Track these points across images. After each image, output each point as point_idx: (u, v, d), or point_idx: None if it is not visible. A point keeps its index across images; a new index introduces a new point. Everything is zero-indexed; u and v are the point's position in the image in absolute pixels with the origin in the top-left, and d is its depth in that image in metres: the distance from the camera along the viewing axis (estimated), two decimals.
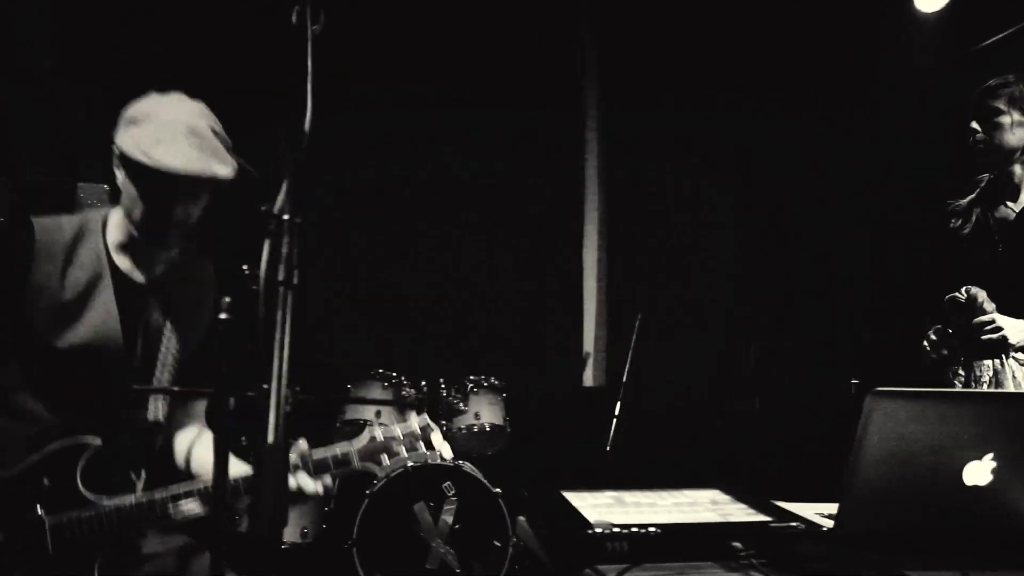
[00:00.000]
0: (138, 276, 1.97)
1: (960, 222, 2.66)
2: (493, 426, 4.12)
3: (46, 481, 1.80)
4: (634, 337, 4.42)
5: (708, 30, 4.93)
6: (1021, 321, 2.40)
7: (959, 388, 2.45)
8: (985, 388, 2.37)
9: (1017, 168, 2.57)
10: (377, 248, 4.88)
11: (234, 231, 1.90)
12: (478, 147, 4.94)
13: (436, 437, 2.02)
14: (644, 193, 5.15)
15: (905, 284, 4.53)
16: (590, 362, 5.14)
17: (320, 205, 4.64)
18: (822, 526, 1.54)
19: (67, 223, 1.93)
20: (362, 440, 1.93)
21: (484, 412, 4.13)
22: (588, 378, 5.13)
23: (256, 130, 2.42)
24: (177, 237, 1.91)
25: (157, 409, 1.98)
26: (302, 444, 1.89)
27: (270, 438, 0.97)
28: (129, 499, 1.83)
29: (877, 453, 1.42)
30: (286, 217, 1.23)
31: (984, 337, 2.39)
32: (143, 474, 1.92)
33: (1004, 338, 2.38)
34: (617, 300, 5.17)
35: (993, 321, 2.40)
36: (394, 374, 4.12)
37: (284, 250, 1.17)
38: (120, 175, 1.89)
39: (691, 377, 5.05)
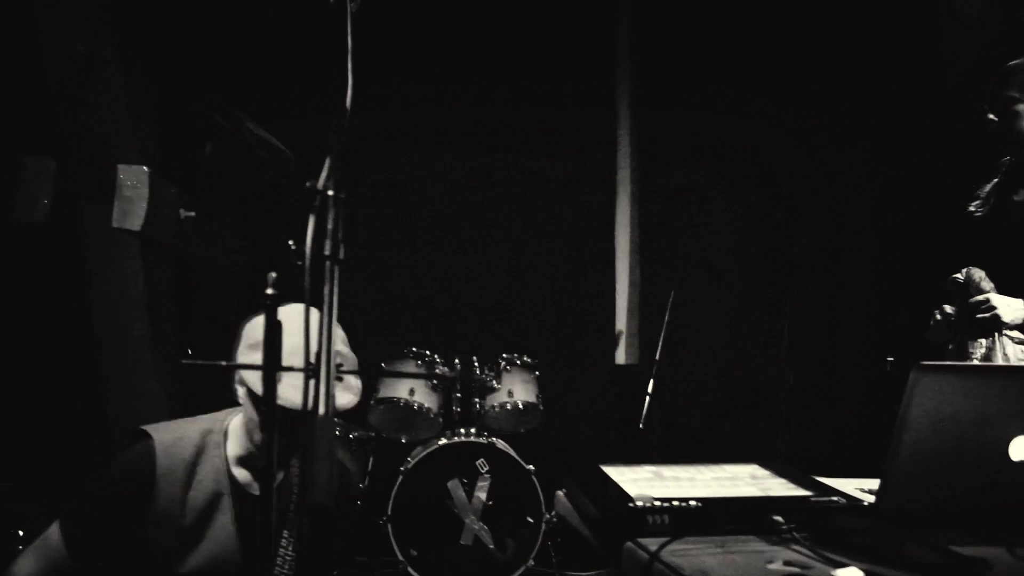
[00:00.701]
0: (255, 489, 1.93)
1: (979, 205, 2.67)
2: (526, 403, 4.14)
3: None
4: (667, 315, 4.40)
5: (744, 29, 4.89)
6: (1016, 300, 2.42)
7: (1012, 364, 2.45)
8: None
9: None
10: (417, 232, 4.92)
11: (276, 209, 1.92)
12: (515, 140, 4.95)
13: None
14: (676, 175, 5.13)
15: (937, 263, 4.48)
16: (622, 340, 5.14)
17: (368, 192, 4.68)
18: (863, 501, 1.53)
19: (188, 439, 1.88)
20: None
21: (517, 389, 4.16)
22: (620, 356, 5.13)
23: (306, 112, 2.44)
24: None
25: None
26: None
27: (321, 409, 0.99)
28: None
29: (921, 428, 1.41)
30: (330, 192, 1.24)
31: (978, 316, 2.43)
32: None
33: (997, 316, 2.40)
34: (649, 278, 5.16)
35: (988, 300, 2.43)
36: (427, 351, 4.16)
37: (329, 225, 1.18)
38: (241, 391, 1.86)
39: (724, 354, 5.04)
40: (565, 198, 5.11)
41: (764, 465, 1.79)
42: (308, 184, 1.26)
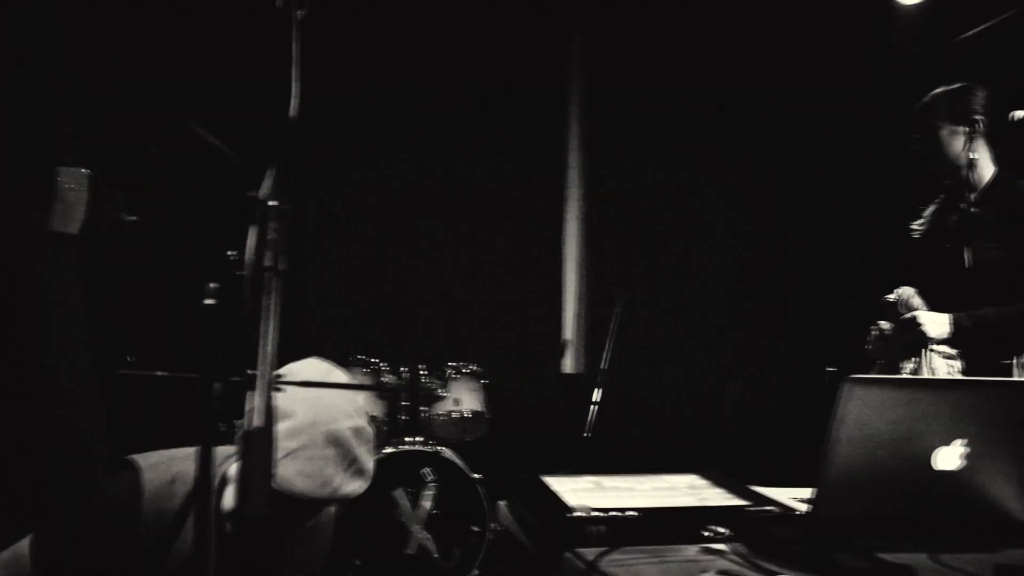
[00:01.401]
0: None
1: (920, 224, 2.80)
2: (473, 412, 4.15)
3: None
4: (613, 324, 4.45)
5: (693, 27, 4.98)
6: (942, 315, 2.49)
7: (936, 377, 2.53)
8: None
9: (965, 172, 2.66)
10: (361, 239, 4.89)
11: (219, 217, 1.90)
12: (462, 144, 4.95)
13: None
14: (625, 185, 5.19)
15: (882, 278, 4.61)
16: (570, 349, 5.18)
17: (312, 199, 4.64)
18: (797, 510, 1.57)
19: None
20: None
21: (464, 398, 4.16)
22: (568, 365, 5.16)
23: (257, 120, 2.42)
24: None
25: None
26: None
27: (257, 422, 0.98)
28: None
29: (851, 439, 1.45)
30: (272, 203, 1.23)
31: (906, 332, 2.51)
32: None
33: (923, 332, 2.48)
34: (597, 288, 5.21)
35: (915, 318, 2.50)
36: (374, 360, 4.13)
37: (270, 236, 1.18)
38: None
39: (670, 364, 5.10)
40: (513, 204, 5.12)
41: (703, 475, 1.83)
42: (249, 194, 1.25)
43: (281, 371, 1.71)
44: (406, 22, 4.78)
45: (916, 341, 2.49)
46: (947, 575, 1.34)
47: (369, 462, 1.69)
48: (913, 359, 2.50)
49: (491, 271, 5.04)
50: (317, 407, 1.62)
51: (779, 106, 4.85)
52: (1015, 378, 2.45)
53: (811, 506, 1.51)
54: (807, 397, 4.55)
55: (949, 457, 1.49)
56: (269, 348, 1.05)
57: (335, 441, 1.60)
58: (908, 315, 2.53)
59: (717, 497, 1.64)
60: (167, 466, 1.79)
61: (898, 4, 4.34)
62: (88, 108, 3.31)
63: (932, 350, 2.47)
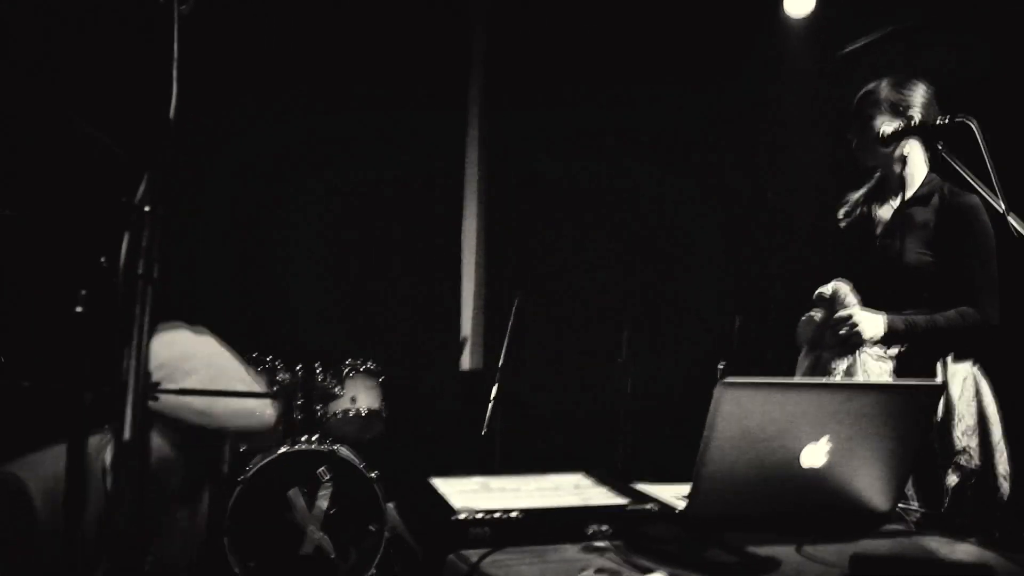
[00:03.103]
0: None
1: (846, 213, 2.77)
2: (370, 411, 4.12)
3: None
4: (511, 321, 4.49)
5: (591, 31, 5.06)
6: (877, 316, 2.48)
7: (805, 379, 2.58)
8: (838, 379, 2.47)
9: (897, 169, 2.66)
10: (261, 235, 4.79)
11: (93, 219, 1.84)
12: (362, 141, 4.90)
13: None
14: (522, 182, 5.24)
15: (780, 272, 4.80)
16: (467, 346, 5.20)
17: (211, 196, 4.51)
18: (676, 508, 1.63)
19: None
20: None
21: (360, 397, 4.12)
22: (466, 362, 5.18)
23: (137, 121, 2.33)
24: None
25: None
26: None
27: (126, 434, 0.96)
28: None
29: (725, 439, 1.52)
30: (147, 208, 1.21)
31: (841, 332, 2.48)
32: None
33: (859, 333, 2.45)
34: (494, 284, 5.24)
35: (851, 316, 2.48)
36: (268, 357, 4.06)
37: (144, 243, 1.15)
38: None
39: (566, 360, 5.18)
40: (412, 200, 5.11)
41: (589, 474, 1.87)
42: (123, 199, 1.22)
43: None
44: (296, 19, 4.71)
45: (849, 340, 2.47)
46: (808, 565, 1.41)
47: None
48: (846, 359, 2.49)
49: (389, 268, 5.02)
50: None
51: (678, 101, 4.97)
52: (939, 377, 2.46)
53: (688, 503, 1.57)
54: (699, 391, 4.70)
55: (815, 455, 1.58)
56: (141, 359, 1.03)
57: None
58: (844, 312, 2.49)
59: (599, 496, 1.68)
60: (52, 466, 1.77)
61: (786, 17, 4.54)
62: None
63: (864, 351, 2.47)
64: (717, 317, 4.86)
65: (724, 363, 4.74)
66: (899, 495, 1.71)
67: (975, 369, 2.50)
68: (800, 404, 1.55)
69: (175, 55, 1.52)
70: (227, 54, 4.28)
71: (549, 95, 5.10)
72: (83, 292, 1.16)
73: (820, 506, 1.63)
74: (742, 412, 1.51)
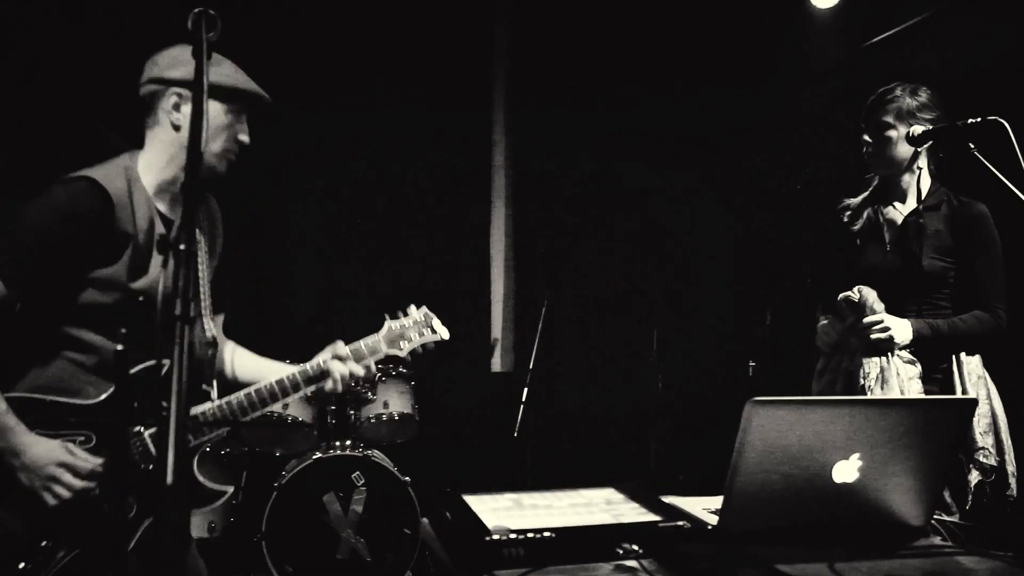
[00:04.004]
0: (171, 216, 2.11)
1: (851, 218, 2.77)
2: (402, 415, 4.15)
3: (135, 403, 1.91)
4: (540, 323, 4.50)
5: (614, 30, 5.04)
6: (905, 321, 2.54)
7: (843, 383, 2.61)
8: (873, 384, 2.51)
9: (905, 176, 2.70)
10: (290, 239, 4.84)
11: None
12: (389, 142, 4.93)
13: (436, 322, 2.46)
14: (550, 184, 5.24)
15: (805, 271, 4.76)
16: (498, 348, 5.22)
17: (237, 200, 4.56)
18: (708, 523, 1.64)
19: (115, 172, 2.02)
20: (383, 331, 2.37)
21: (393, 401, 4.16)
22: (496, 364, 5.20)
23: None
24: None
25: (210, 327, 2.19)
26: (339, 346, 2.27)
27: (169, 478, 0.99)
28: (207, 406, 2.08)
29: (755, 457, 1.52)
30: (182, 247, 1.23)
31: (873, 337, 2.51)
32: (215, 384, 2.16)
33: (891, 337, 2.50)
34: (524, 286, 5.25)
35: (882, 321, 2.52)
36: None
37: (180, 283, 1.18)
38: (188, 110, 2.01)
39: (597, 361, 5.18)
40: (441, 203, 5.13)
41: (619, 488, 1.88)
42: (159, 237, 1.25)
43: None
44: (324, 19, 4.73)
45: (880, 345, 2.52)
46: None
47: None
48: (877, 361, 2.53)
49: (418, 270, 5.04)
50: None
51: (705, 101, 4.94)
52: (955, 378, 2.54)
53: (719, 520, 1.58)
54: (730, 391, 4.69)
55: (847, 470, 1.58)
56: (181, 401, 1.06)
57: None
58: (874, 317, 2.53)
59: (631, 513, 1.69)
60: (97, 170, 2.03)
61: (812, 8, 4.50)
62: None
63: (897, 355, 2.52)
64: (748, 315, 4.84)
65: (755, 362, 4.72)
66: (933, 509, 1.70)
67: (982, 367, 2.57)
68: (830, 421, 1.55)
69: (204, 87, 1.54)
70: (251, 52, 4.31)
71: (574, 93, 5.09)
72: (123, 330, 1.19)
73: (853, 521, 1.63)
74: (772, 429, 1.52)
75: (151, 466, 1.96)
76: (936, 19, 4.08)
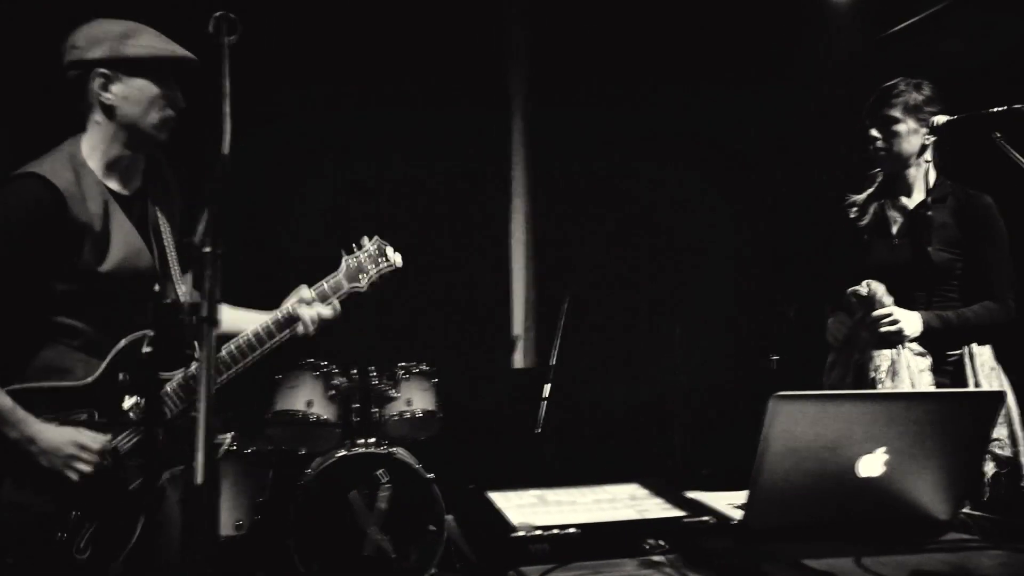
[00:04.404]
0: (125, 191, 2.20)
1: (858, 214, 2.79)
2: (425, 412, 4.17)
3: (122, 376, 2.02)
4: (562, 319, 4.51)
5: (632, 28, 5.04)
6: (914, 313, 2.55)
7: (856, 374, 2.61)
8: (883, 376, 2.52)
9: (912, 170, 2.72)
10: (311, 237, 4.85)
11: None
12: (408, 142, 4.94)
13: (389, 250, 2.57)
14: (569, 181, 5.24)
15: (824, 264, 4.73)
16: (519, 344, 5.22)
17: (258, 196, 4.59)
18: (732, 518, 1.64)
19: (60, 163, 2.08)
20: (342, 268, 2.47)
21: (415, 398, 4.18)
22: (518, 360, 5.21)
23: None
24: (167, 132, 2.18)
25: (185, 293, 2.21)
26: (304, 290, 2.38)
27: (198, 478, 1.00)
28: (193, 367, 2.10)
29: (780, 452, 1.52)
30: (207, 249, 1.24)
31: (883, 330, 2.53)
32: (196, 345, 2.13)
33: (901, 330, 2.52)
34: (544, 282, 5.25)
35: (891, 314, 2.53)
36: (324, 363, 4.14)
37: (207, 285, 1.19)
38: (118, 90, 2.09)
39: (618, 356, 5.18)
40: (460, 201, 5.13)
41: (644, 484, 1.88)
42: (185, 240, 1.26)
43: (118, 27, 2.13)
44: (344, 18, 4.75)
45: (890, 338, 2.53)
46: None
47: None
48: (887, 354, 2.54)
49: (438, 268, 5.05)
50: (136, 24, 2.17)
51: (722, 100, 4.93)
52: (968, 370, 2.56)
53: (744, 515, 1.57)
54: (752, 385, 4.67)
55: (872, 465, 1.57)
56: (209, 402, 1.07)
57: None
58: (883, 311, 2.55)
59: (656, 508, 1.70)
60: (41, 163, 2.10)
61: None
62: None
63: (907, 347, 2.53)
64: (771, 310, 4.82)
65: (777, 357, 4.70)
66: (961, 503, 1.69)
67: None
68: (855, 415, 1.54)
69: (226, 90, 1.55)
70: (266, 54, 4.32)
71: (592, 91, 5.09)
72: (150, 333, 1.21)
73: (879, 516, 1.62)
74: (796, 425, 1.51)
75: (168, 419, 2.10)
76: (951, 10, 4.05)
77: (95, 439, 2.02)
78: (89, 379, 2.07)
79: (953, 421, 1.58)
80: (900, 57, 4.13)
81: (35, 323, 2.06)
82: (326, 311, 2.38)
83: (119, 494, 2.04)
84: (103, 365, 2.08)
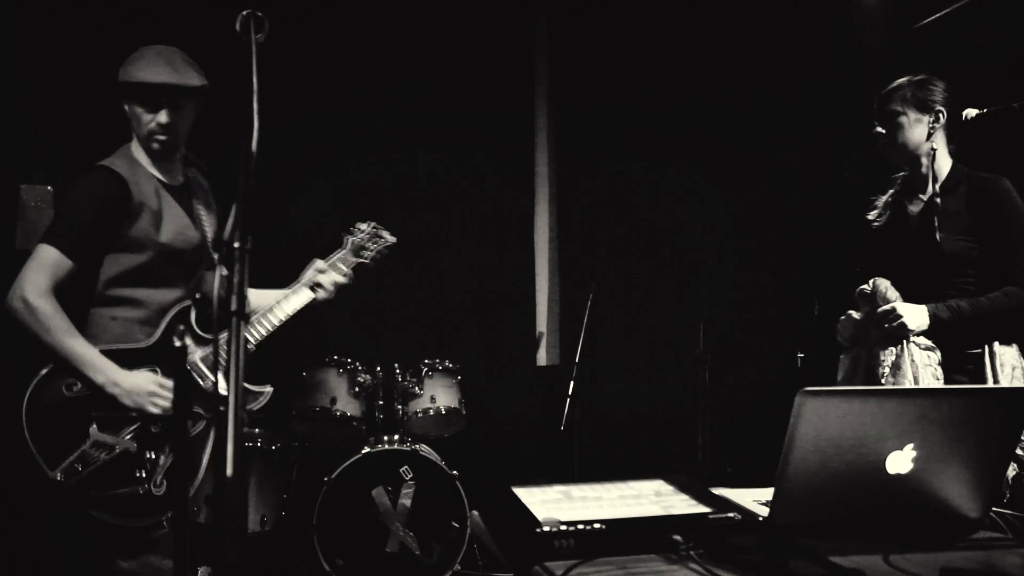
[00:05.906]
0: (171, 181, 2.58)
1: (877, 215, 2.84)
2: (449, 409, 4.19)
3: (176, 341, 2.20)
4: (586, 316, 4.50)
5: (657, 22, 5.02)
6: (919, 307, 2.55)
7: (863, 371, 2.61)
8: (886, 372, 2.52)
9: (924, 160, 2.72)
10: (334, 237, 4.88)
11: None
12: (433, 141, 4.96)
13: (384, 231, 3.12)
14: (593, 177, 5.23)
15: (848, 261, 4.69)
16: (543, 342, 5.22)
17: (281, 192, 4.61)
18: (758, 515, 1.63)
19: (122, 159, 2.49)
20: (347, 245, 2.96)
21: (440, 395, 4.20)
22: (542, 358, 5.21)
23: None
24: (178, 140, 2.52)
25: (213, 286, 2.53)
26: (318, 262, 2.80)
27: (229, 470, 1.01)
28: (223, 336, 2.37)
29: (807, 448, 1.51)
30: (236, 244, 1.26)
31: (886, 325, 2.55)
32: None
33: (903, 324, 2.52)
34: (569, 279, 5.25)
35: (894, 309, 2.54)
36: (348, 359, 4.16)
37: (236, 279, 1.20)
38: (126, 108, 2.49)
39: (643, 354, 5.16)
40: (484, 199, 5.14)
41: (669, 480, 1.88)
42: (213, 236, 1.28)
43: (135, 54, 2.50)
44: (371, 18, 4.77)
45: (895, 333, 2.54)
46: None
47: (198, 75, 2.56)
48: (892, 349, 2.54)
49: (463, 266, 5.06)
50: (154, 49, 2.51)
51: (747, 98, 4.91)
52: (987, 369, 2.53)
53: (770, 512, 1.57)
54: (777, 384, 4.64)
55: (901, 461, 1.55)
56: (237, 395, 1.08)
57: (168, 60, 2.50)
58: (886, 307, 2.56)
59: (681, 505, 1.69)
60: (110, 161, 2.50)
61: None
62: (50, 124, 3.30)
63: (912, 342, 2.52)
64: (796, 307, 4.78)
65: (803, 354, 4.67)
66: (991, 501, 1.67)
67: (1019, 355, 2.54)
68: (883, 411, 1.53)
69: (255, 87, 1.57)
70: (299, 52, 4.35)
71: (617, 92, 5.08)
72: (180, 327, 1.23)
73: (907, 513, 1.61)
74: (823, 421, 1.50)
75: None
76: (976, 4, 4.00)
77: (167, 382, 2.36)
78: (151, 341, 2.43)
79: (983, 418, 1.57)
80: (922, 55, 4.09)
81: (105, 293, 2.42)
82: (341, 278, 2.81)
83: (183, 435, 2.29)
84: (159, 330, 2.44)
